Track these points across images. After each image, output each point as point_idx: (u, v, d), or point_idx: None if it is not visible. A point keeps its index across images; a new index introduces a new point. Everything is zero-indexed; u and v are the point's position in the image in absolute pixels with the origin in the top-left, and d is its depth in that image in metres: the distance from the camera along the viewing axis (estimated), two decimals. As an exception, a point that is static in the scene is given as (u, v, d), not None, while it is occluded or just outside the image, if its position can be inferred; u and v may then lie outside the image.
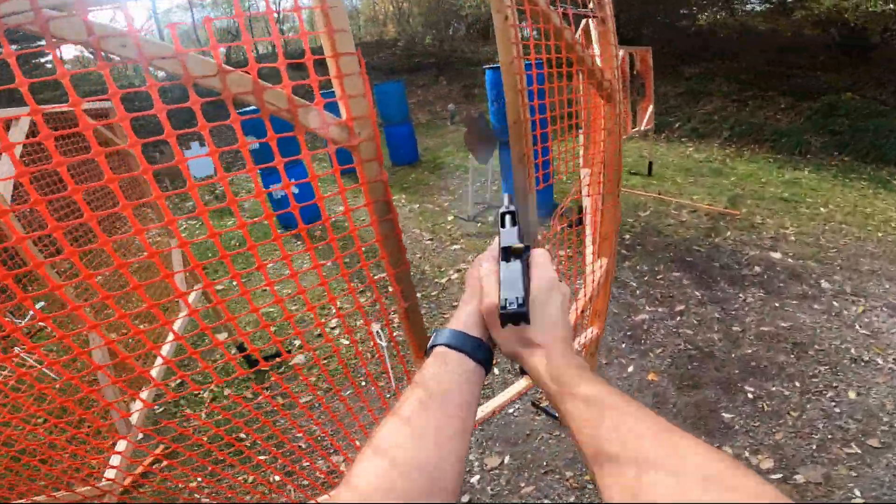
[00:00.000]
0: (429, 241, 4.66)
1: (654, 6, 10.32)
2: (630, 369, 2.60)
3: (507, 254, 0.55)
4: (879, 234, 4.06)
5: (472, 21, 15.38)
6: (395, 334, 3.01)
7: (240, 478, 2.04)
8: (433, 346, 0.52)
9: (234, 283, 4.08)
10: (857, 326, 2.75)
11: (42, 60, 10.64)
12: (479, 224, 4.92)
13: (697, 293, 3.24)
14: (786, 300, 3.08)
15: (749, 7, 10.41)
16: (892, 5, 6.54)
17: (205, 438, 2.38)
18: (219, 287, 4.51)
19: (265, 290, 3.76)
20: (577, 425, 0.42)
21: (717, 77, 9.66)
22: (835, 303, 3.01)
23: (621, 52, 5.09)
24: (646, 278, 3.48)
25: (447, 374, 0.48)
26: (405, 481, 0.39)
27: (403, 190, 6.66)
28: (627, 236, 4.21)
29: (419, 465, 0.41)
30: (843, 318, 2.85)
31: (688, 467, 0.33)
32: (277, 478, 2.03)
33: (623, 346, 2.79)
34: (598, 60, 1.21)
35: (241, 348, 3.05)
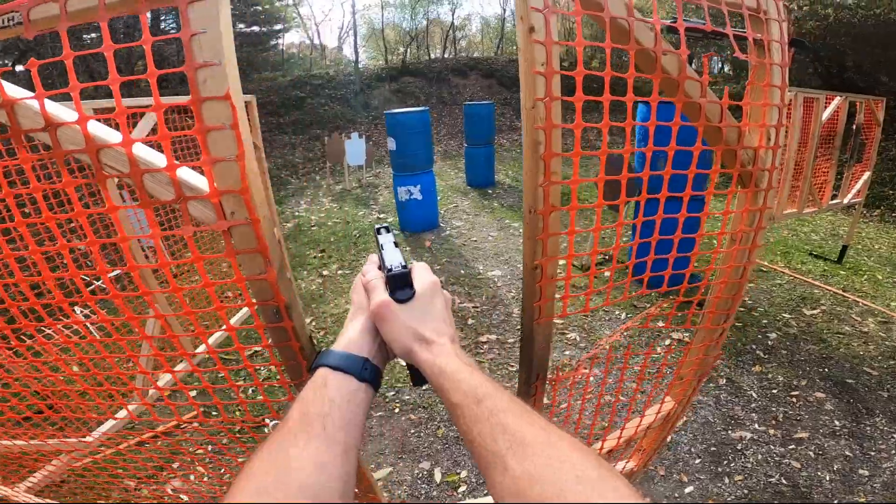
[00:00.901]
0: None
1: None
2: (688, 490, 2.29)
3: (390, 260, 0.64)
4: None
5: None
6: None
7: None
8: (315, 367, 0.55)
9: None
10: None
11: None
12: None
13: (837, 423, 2.65)
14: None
15: None
16: None
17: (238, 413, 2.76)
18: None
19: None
20: (466, 421, 0.46)
21: None
22: None
23: (837, 100, 4.33)
24: (773, 391, 2.95)
25: (326, 395, 0.51)
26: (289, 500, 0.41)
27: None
28: (773, 336, 3.59)
29: (298, 489, 0.42)
30: None
31: (566, 470, 0.38)
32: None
33: (697, 461, 2.46)
34: (731, 117, 0.80)
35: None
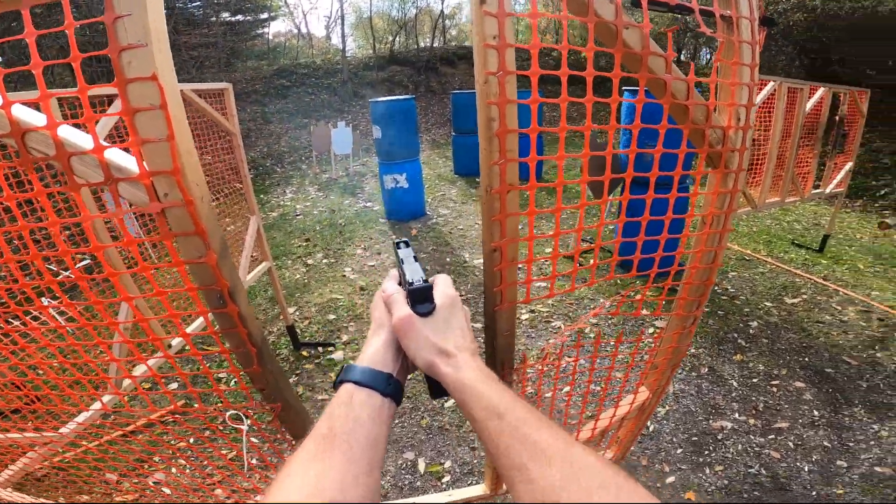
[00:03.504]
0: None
1: (888, 45, 8.60)
2: (669, 479, 2.27)
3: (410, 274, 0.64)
4: None
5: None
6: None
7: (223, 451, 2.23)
8: (340, 382, 0.56)
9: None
10: None
11: None
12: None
13: (816, 413, 2.65)
14: (938, 451, 2.37)
15: None
16: None
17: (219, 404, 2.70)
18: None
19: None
20: (489, 434, 0.48)
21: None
22: None
23: (821, 91, 4.31)
24: (754, 381, 2.94)
25: (353, 412, 0.52)
26: None
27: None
28: (755, 324, 3.59)
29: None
30: None
31: (588, 478, 0.41)
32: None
33: (678, 450, 2.43)
34: (697, 94, 0.74)
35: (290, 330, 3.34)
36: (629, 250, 2.71)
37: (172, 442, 2.17)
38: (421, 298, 0.60)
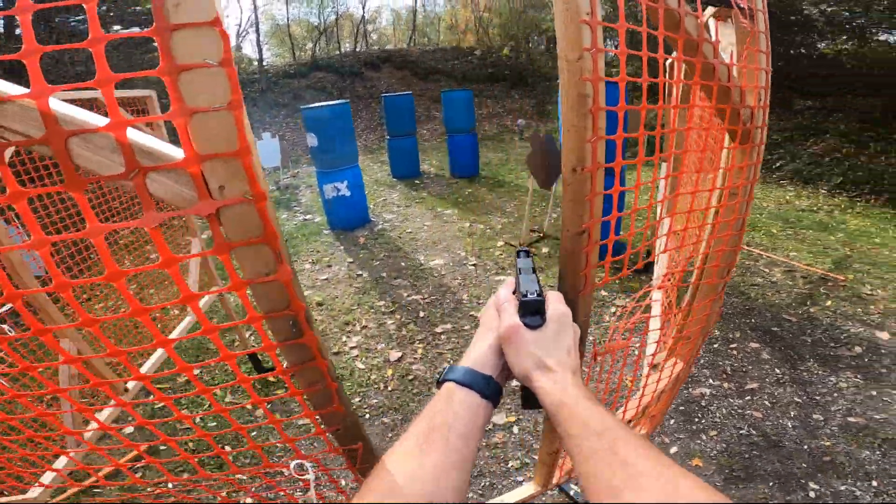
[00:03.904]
0: (472, 266, 4.53)
1: (779, 32, 9.65)
2: (673, 450, 2.34)
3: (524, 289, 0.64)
4: None
5: (553, 35, 15.59)
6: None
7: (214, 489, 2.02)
8: (443, 381, 0.57)
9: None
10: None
11: None
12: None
13: (778, 371, 2.86)
14: (885, 389, 2.66)
15: (885, 37, 9.35)
16: None
17: (190, 445, 2.42)
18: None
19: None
20: (583, 452, 0.47)
21: (835, 113, 8.77)
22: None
23: None
24: (715, 346, 3.13)
25: (451, 408, 0.53)
26: None
27: (457, 204, 6.59)
28: (700, 290, 3.82)
29: (417, 496, 0.45)
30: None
31: (681, 498, 0.39)
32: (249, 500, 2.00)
33: (671, 421, 2.52)
34: (734, 75, 0.81)
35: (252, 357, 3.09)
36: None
37: (149, 490, 1.92)
38: (532, 311, 0.60)
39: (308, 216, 6.61)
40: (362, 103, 12.78)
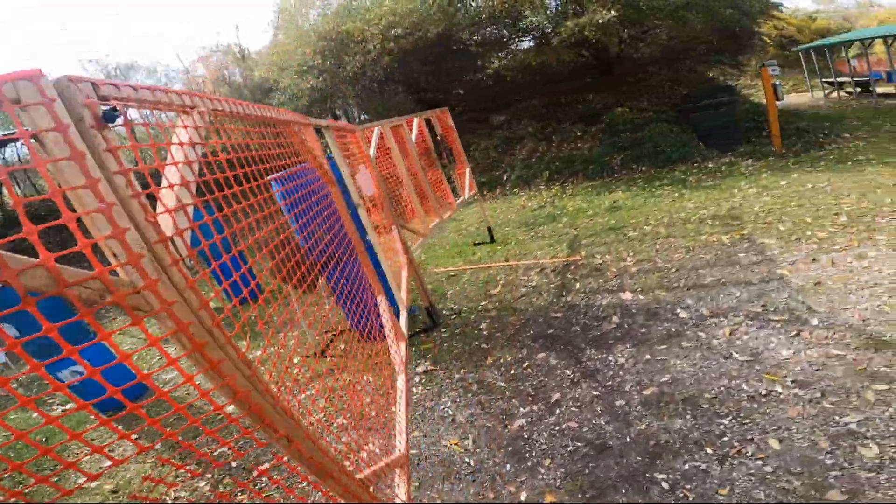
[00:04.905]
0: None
1: (453, 64, 11.25)
2: (522, 497, 2.15)
3: None
4: (702, 238, 4.37)
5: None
6: None
7: None
8: None
9: None
10: (735, 354, 2.66)
11: None
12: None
13: (568, 371, 2.94)
14: (654, 347, 2.94)
15: (521, 45, 11.75)
16: (613, 13, 7.66)
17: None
18: None
19: None
20: None
21: (522, 119, 10.60)
22: (700, 333, 2.94)
23: (416, 120, 5.01)
24: (512, 372, 3.11)
25: None
26: None
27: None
28: (483, 326, 3.86)
29: None
30: (715, 349, 2.77)
31: None
32: None
33: (507, 467, 2.34)
34: None
35: None
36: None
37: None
38: None
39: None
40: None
